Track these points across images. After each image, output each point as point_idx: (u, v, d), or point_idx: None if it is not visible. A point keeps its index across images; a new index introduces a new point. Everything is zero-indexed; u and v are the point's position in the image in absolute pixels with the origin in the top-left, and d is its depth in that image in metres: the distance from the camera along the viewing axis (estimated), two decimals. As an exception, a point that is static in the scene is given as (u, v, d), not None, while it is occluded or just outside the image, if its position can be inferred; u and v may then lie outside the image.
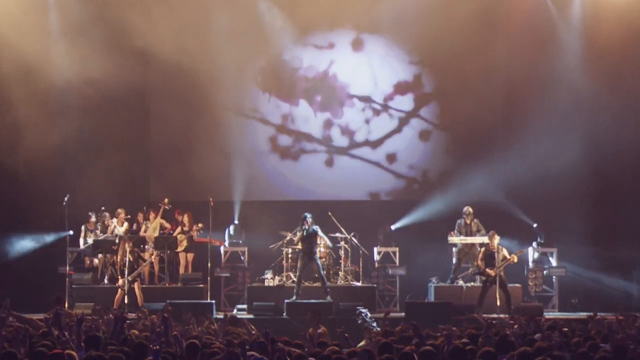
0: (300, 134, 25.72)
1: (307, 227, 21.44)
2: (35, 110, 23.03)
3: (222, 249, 23.86)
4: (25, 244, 23.71)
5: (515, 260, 21.68)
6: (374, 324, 18.72)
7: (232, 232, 24.43)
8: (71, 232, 22.87)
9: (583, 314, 17.77)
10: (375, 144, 25.71)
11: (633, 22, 23.33)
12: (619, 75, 23.89)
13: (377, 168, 25.69)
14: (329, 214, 23.05)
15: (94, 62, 22.98)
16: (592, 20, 24.05)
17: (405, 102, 25.72)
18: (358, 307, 20.26)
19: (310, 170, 25.64)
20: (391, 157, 25.73)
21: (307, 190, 25.33)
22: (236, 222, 24.66)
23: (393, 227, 24.72)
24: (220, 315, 19.53)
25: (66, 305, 19.94)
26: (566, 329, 13.95)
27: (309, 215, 21.59)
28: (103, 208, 23.30)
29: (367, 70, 25.66)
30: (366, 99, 25.68)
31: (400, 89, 25.67)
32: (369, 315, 19.79)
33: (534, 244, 23.87)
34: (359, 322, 19.21)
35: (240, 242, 24.26)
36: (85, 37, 23.48)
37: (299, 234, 21.64)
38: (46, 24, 23.48)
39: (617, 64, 23.90)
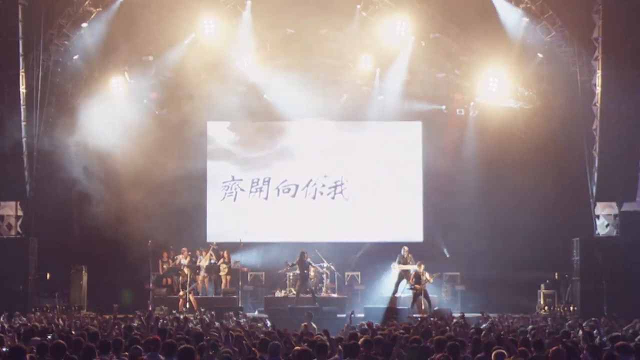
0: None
1: (303, 259, 21.54)
2: (137, 195, 23.00)
3: (248, 273, 23.80)
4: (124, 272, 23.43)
5: (432, 280, 21.71)
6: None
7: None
8: (153, 264, 22.83)
9: (477, 314, 17.73)
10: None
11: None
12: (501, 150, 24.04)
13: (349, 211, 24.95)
14: (316, 250, 23.02)
15: (175, 158, 23.21)
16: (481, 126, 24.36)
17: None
18: (353, 311, 20.17)
19: (304, 211, 24.84)
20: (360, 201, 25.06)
21: (304, 232, 24.61)
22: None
23: (357, 255, 24.66)
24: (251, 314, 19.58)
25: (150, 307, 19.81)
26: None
27: (304, 251, 21.77)
28: (172, 247, 23.27)
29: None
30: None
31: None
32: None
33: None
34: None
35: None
36: (168, 142, 23.72)
37: (298, 266, 21.76)
38: (142, 139, 22.79)
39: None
